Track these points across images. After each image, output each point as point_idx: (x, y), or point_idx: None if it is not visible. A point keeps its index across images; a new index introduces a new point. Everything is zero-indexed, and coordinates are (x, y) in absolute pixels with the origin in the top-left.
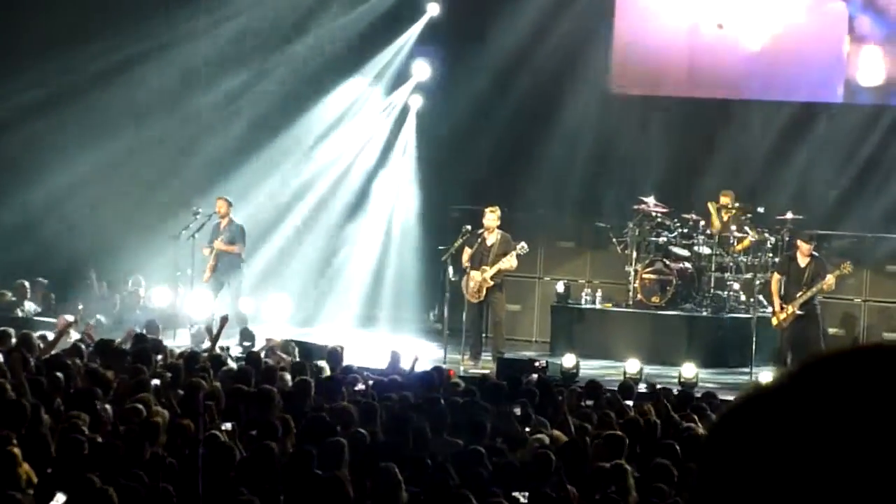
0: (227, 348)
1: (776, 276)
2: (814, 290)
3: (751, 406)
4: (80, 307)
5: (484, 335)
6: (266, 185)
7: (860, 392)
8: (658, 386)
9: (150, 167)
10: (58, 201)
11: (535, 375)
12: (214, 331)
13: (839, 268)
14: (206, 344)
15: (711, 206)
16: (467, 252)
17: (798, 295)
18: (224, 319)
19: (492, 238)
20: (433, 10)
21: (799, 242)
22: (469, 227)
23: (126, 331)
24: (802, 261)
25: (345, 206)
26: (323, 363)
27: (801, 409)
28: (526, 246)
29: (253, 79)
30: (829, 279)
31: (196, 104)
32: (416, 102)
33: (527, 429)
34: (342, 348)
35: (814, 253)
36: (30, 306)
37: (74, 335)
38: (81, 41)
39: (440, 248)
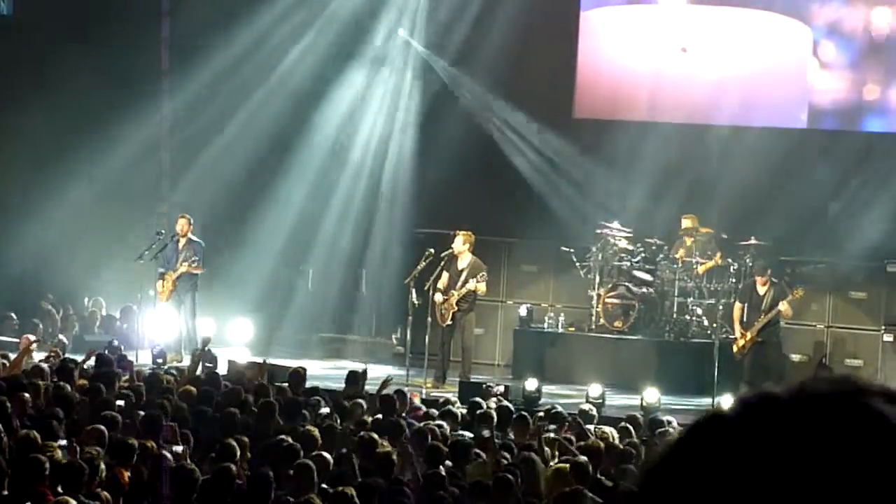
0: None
1: (738, 303)
2: (770, 316)
3: (688, 449)
4: (40, 327)
5: (447, 359)
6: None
7: (795, 440)
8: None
9: (109, 189)
10: (17, 224)
11: (494, 400)
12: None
13: (792, 294)
14: (176, 363)
15: (686, 238)
16: (445, 276)
17: (756, 322)
18: (206, 341)
19: (463, 262)
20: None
21: (754, 274)
22: (433, 251)
23: (87, 350)
24: (761, 288)
25: (306, 226)
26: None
27: (742, 450)
28: (486, 274)
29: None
30: (783, 306)
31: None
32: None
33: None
34: (304, 370)
35: (773, 279)
36: None
37: (37, 355)
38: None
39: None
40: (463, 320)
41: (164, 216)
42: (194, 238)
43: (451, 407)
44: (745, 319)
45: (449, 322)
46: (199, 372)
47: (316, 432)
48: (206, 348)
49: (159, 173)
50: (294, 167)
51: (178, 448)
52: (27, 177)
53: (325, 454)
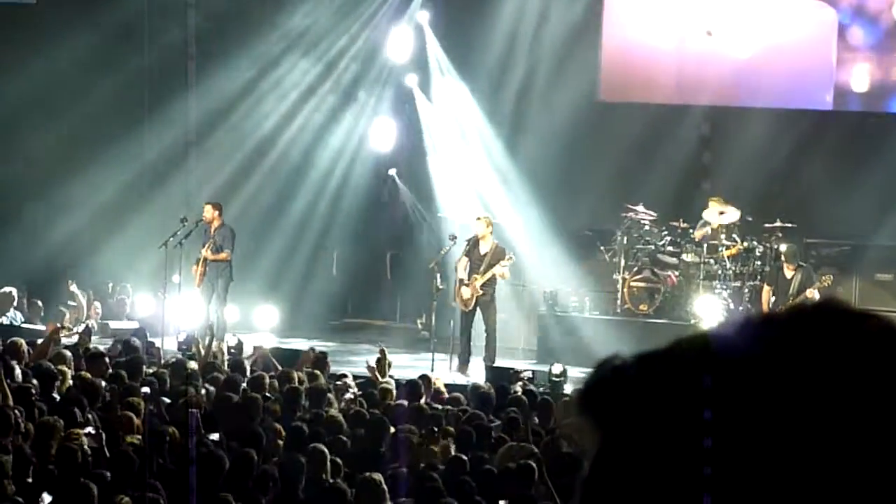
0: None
1: (766, 287)
2: (797, 301)
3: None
4: (67, 315)
5: (470, 344)
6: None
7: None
8: None
9: (136, 173)
10: (44, 210)
11: (520, 385)
12: (207, 341)
13: (820, 281)
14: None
15: (712, 221)
16: (464, 261)
17: (783, 305)
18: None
19: (485, 247)
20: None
21: (782, 258)
22: (455, 235)
23: (112, 337)
24: (789, 272)
25: (329, 212)
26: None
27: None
28: (514, 257)
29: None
30: (810, 293)
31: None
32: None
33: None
34: (325, 355)
35: (801, 263)
36: (16, 314)
37: (65, 342)
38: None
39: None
40: (486, 305)
41: (191, 204)
42: (226, 223)
43: (480, 391)
44: (773, 302)
45: (472, 307)
46: (217, 359)
47: (340, 417)
48: (211, 338)
49: (185, 158)
50: (319, 154)
51: (215, 436)
52: (53, 164)
53: (345, 438)
